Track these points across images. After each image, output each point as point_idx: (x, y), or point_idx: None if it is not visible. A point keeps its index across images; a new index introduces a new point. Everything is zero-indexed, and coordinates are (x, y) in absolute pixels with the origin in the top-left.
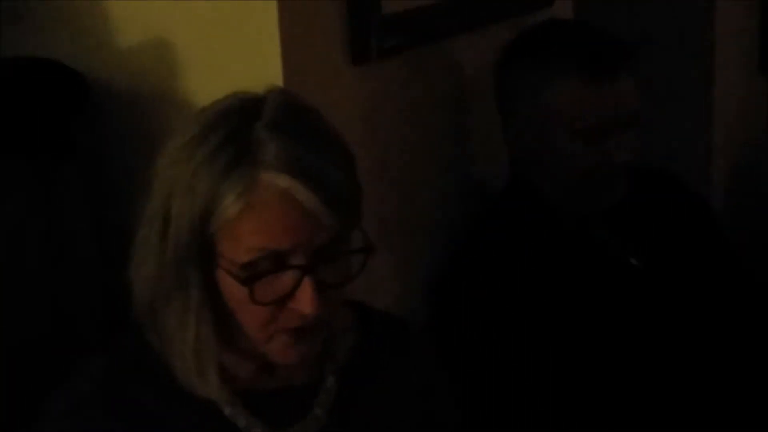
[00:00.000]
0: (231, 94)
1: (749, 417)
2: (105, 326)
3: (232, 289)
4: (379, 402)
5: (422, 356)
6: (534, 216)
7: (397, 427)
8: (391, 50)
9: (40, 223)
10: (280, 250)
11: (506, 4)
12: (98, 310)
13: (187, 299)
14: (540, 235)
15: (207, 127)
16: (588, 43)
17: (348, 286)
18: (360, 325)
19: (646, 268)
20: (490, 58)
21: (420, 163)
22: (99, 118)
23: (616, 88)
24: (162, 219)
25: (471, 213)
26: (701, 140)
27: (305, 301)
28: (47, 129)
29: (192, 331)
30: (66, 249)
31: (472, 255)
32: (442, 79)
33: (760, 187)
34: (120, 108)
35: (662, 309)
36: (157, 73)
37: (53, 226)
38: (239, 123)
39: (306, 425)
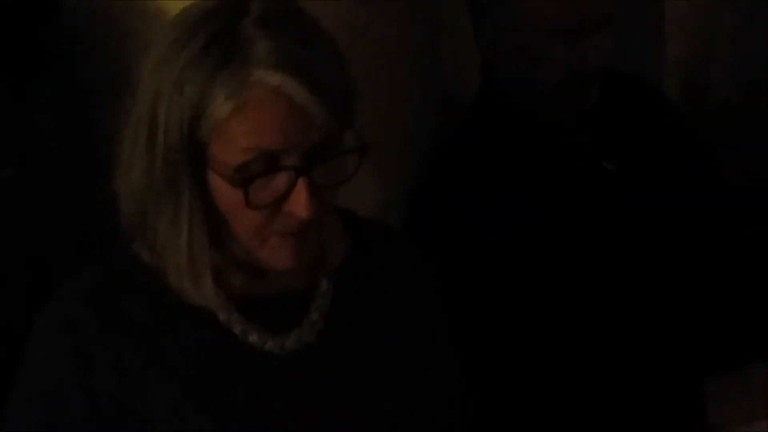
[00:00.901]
0: None
1: (722, 316)
2: (78, 244)
3: (225, 193)
4: (375, 305)
5: (412, 260)
6: (508, 124)
7: (393, 330)
8: None
9: (13, 139)
10: (273, 151)
11: None
12: (71, 230)
13: (178, 205)
14: (514, 142)
15: (193, 27)
16: None
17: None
18: (350, 230)
19: (619, 172)
20: None
21: (394, 73)
22: (71, 28)
23: None
24: (149, 124)
25: (446, 122)
26: (653, 53)
27: (300, 204)
28: (14, 41)
29: (185, 237)
30: (38, 164)
31: (448, 165)
32: None
33: (712, 99)
34: (93, 17)
35: (636, 213)
36: None
37: (26, 141)
38: (226, 21)
39: (303, 330)
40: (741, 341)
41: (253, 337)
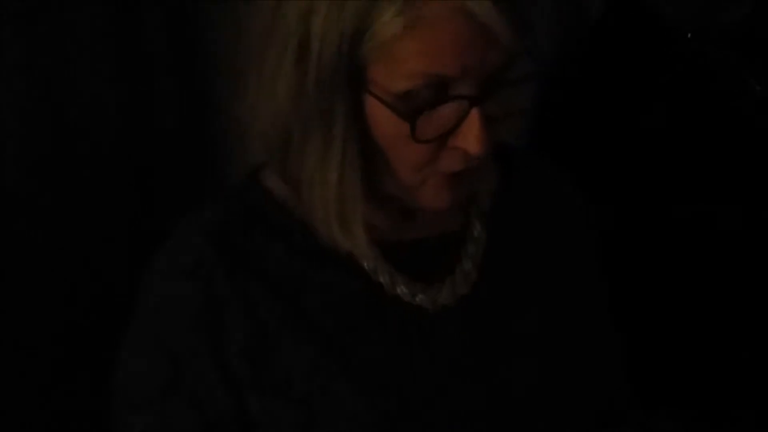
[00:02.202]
0: None
1: None
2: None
3: (384, 123)
4: (529, 249)
5: (562, 191)
6: (641, 34)
7: (549, 278)
8: None
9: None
10: (445, 77)
11: None
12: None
13: (330, 133)
14: (649, 55)
15: None
16: None
17: None
18: (498, 162)
19: None
20: None
21: None
22: None
23: None
24: (300, 38)
25: (568, 35)
26: None
27: (472, 139)
28: None
29: (335, 172)
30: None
31: (571, 81)
32: None
33: None
34: None
35: None
36: None
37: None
38: None
39: (456, 281)
40: None
41: (401, 289)
